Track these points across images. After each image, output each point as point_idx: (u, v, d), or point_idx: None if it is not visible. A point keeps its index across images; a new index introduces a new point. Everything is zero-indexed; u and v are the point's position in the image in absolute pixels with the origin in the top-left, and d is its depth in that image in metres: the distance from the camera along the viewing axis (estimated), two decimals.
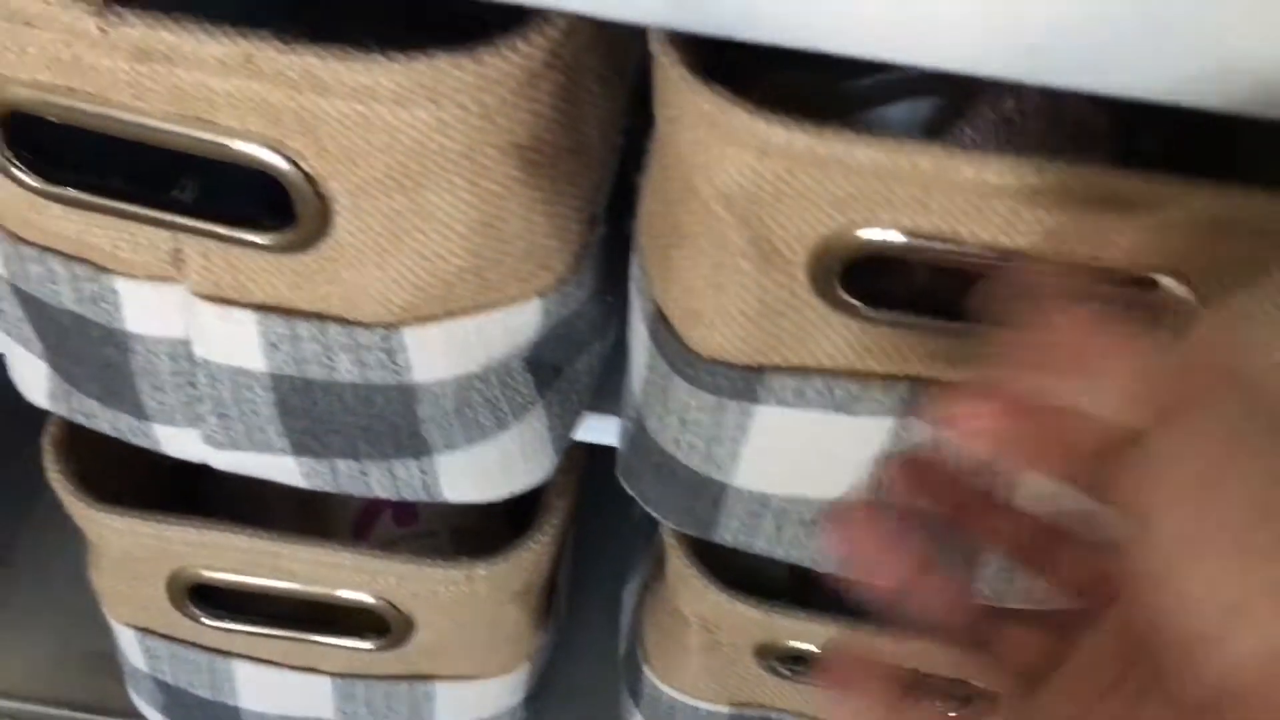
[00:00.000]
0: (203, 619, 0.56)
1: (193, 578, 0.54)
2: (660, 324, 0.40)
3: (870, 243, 0.34)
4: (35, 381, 0.46)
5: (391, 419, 0.42)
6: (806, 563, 0.46)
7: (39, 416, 0.53)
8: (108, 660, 0.68)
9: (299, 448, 0.44)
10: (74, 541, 0.73)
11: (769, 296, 0.37)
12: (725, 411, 0.40)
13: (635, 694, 0.64)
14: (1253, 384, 0.22)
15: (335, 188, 0.35)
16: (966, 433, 0.25)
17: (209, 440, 0.44)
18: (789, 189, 0.33)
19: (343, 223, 0.36)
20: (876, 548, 0.28)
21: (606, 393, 0.50)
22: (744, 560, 0.66)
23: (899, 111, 0.43)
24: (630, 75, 0.42)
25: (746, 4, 0.30)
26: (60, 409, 0.47)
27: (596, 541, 0.77)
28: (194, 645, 0.59)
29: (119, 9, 0.32)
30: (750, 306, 0.37)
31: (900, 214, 0.34)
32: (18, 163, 0.36)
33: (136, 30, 0.32)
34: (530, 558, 0.54)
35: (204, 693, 0.61)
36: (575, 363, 0.47)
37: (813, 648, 0.55)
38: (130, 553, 0.54)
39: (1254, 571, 0.20)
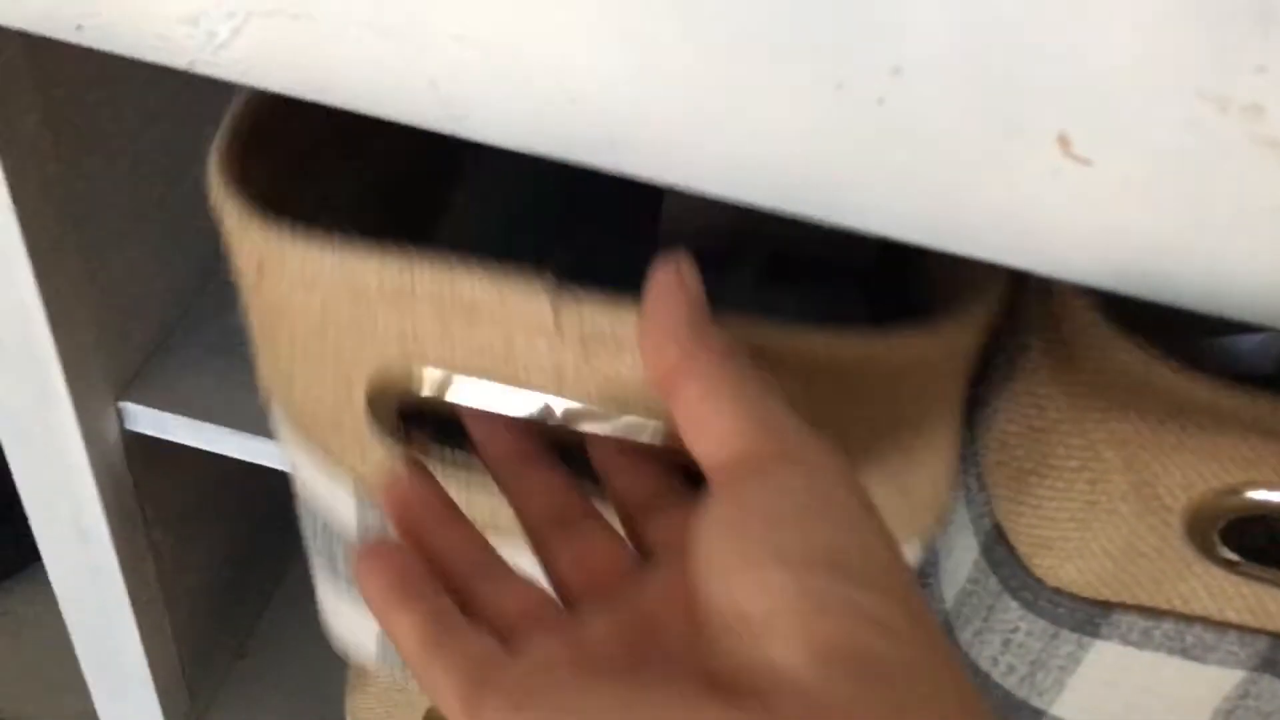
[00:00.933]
0: None
1: None
2: (1000, 544, 0.39)
3: (1262, 504, 0.32)
4: (363, 640, 0.47)
5: None
6: None
7: (276, 521, 0.54)
8: None
9: None
10: (307, 639, 0.76)
11: (1138, 539, 0.35)
12: (1059, 641, 0.39)
13: None
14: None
15: None
16: None
17: None
18: (1193, 443, 0.32)
19: None
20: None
21: None
22: None
23: (1249, 342, 0.42)
24: None
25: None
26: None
27: None
28: None
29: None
30: (1114, 546, 0.36)
31: None
32: (407, 441, 0.36)
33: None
34: None
35: None
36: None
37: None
38: (396, 682, 0.54)
39: (789, 584, 0.23)
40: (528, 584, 0.28)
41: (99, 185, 0.49)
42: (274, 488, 0.73)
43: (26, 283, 0.47)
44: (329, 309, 0.32)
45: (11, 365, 0.51)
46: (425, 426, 0.38)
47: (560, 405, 0.31)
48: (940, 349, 0.32)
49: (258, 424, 0.53)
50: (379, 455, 0.36)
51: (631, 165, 0.29)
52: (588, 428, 0.31)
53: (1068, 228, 0.29)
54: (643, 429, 0.31)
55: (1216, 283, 0.27)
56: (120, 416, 0.55)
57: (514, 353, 0.31)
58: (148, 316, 0.56)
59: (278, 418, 0.41)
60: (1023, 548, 0.38)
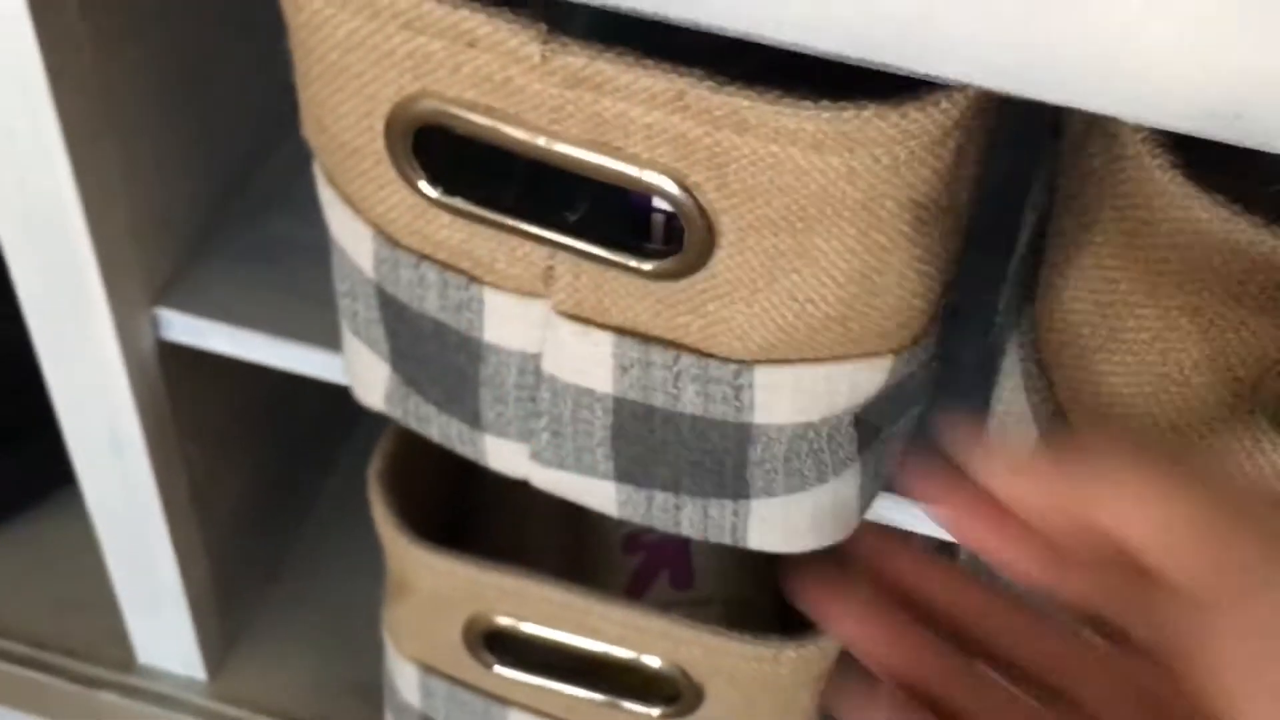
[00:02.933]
0: (494, 665, 0.56)
1: (491, 624, 0.54)
2: (1060, 424, 0.39)
3: None
4: (373, 382, 0.48)
5: (721, 457, 0.42)
6: None
7: (313, 444, 0.54)
8: (366, 689, 0.69)
9: (622, 474, 0.44)
10: (340, 564, 0.76)
11: (1208, 412, 0.35)
12: None
13: None
14: None
15: (726, 223, 0.36)
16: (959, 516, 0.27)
17: (535, 457, 0.45)
18: (1272, 306, 0.31)
19: (723, 256, 0.37)
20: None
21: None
22: None
23: None
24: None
25: None
26: (395, 412, 0.48)
27: None
28: (476, 690, 0.59)
29: (561, 37, 0.34)
30: (1183, 420, 0.36)
31: None
32: (422, 172, 0.38)
33: (577, 59, 0.34)
34: (836, 645, 0.52)
35: None
36: (895, 424, 0.46)
37: None
38: (439, 593, 0.54)
39: None
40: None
41: (136, 79, 0.49)
42: (310, 411, 0.73)
43: (65, 176, 0.47)
44: (352, 31, 0.35)
45: (49, 267, 0.50)
46: None
47: (553, 143, 0.35)
48: (902, 134, 0.32)
49: (294, 331, 0.53)
50: (398, 198, 0.39)
51: None
52: (578, 167, 0.35)
53: (1159, 67, 0.28)
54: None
55: None
56: (155, 323, 0.54)
57: (510, 87, 0.34)
58: (183, 220, 0.55)
59: (318, 173, 0.43)
60: (1085, 428, 0.38)
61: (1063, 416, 0.39)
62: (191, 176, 0.55)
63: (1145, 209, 0.33)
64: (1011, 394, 0.42)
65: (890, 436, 0.47)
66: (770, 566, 0.68)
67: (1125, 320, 0.35)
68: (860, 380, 0.41)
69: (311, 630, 0.74)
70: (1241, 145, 0.30)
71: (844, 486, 0.45)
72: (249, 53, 0.55)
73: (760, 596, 0.66)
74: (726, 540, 0.46)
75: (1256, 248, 0.31)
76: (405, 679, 0.61)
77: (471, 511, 0.72)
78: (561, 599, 0.52)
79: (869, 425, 0.44)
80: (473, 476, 0.73)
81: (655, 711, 0.56)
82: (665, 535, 0.66)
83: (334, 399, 0.54)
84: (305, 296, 0.53)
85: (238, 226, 0.57)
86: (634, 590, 0.65)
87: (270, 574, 0.76)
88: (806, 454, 0.43)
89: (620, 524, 0.67)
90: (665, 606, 0.63)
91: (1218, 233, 0.31)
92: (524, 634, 0.54)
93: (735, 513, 0.45)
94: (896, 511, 0.49)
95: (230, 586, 0.71)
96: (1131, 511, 0.24)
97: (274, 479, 0.73)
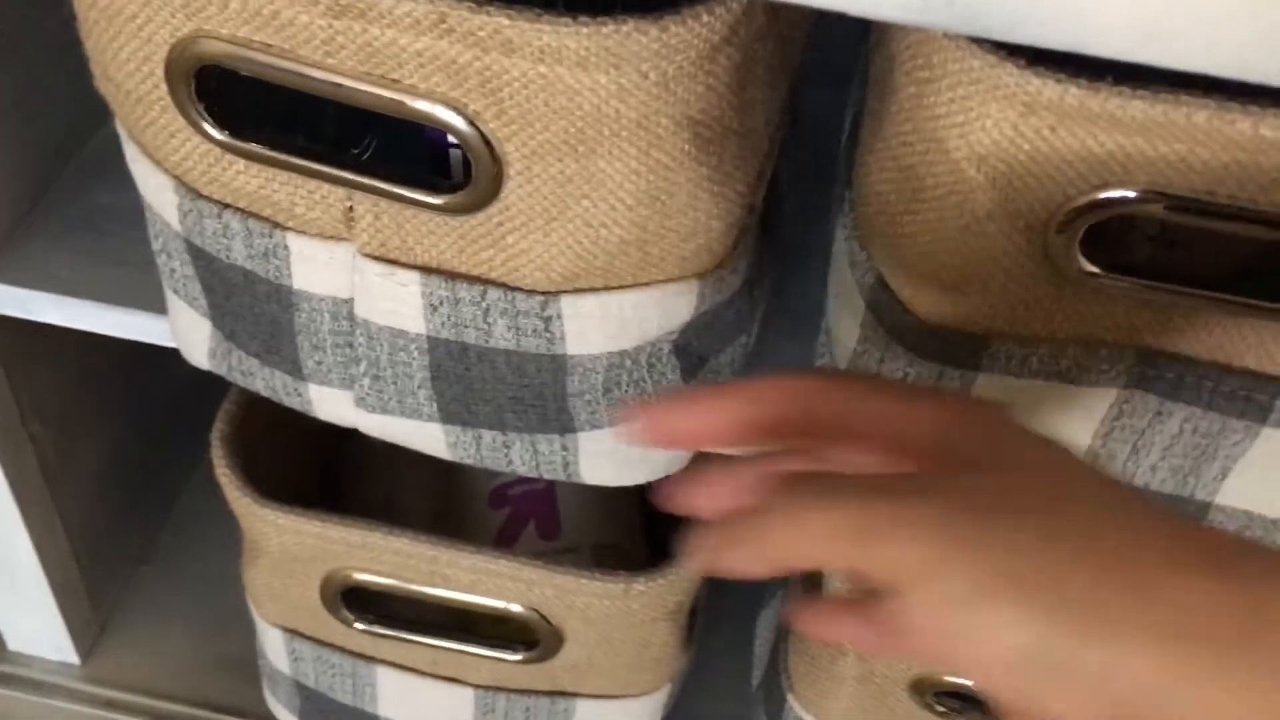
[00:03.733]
0: (355, 623, 0.56)
1: (347, 580, 0.54)
2: (883, 293, 0.39)
3: (1122, 201, 0.33)
4: (197, 340, 0.48)
5: (541, 391, 0.43)
6: None
7: (182, 422, 0.54)
8: (244, 663, 0.69)
9: (447, 415, 0.44)
10: (212, 543, 0.75)
11: (1007, 261, 0.36)
12: (945, 381, 0.40)
13: None
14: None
15: (510, 151, 0.36)
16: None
17: (360, 403, 0.45)
18: (1047, 148, 0.33)
19: (514, 186, 0.37)
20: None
21: None
22: None
23: None
24: (793, 78, 0.43)
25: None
26: (220, 368, 0.48)
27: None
28: (340, 649, 0.59)
29: None
30: (986, 271, 0.37)
31: (1160, 174, 0.33)
32: (207, 116, 0.38)
33: None
34: (686, 576, 0.53)
35: (344, 698, 0.61)
36: (720, 355, 0.46)
37: (968, 682, 0.53)
38: (289, 551, 0.54)
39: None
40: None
41: None
42: (174, 386, 0.72)
43: None
44: None
45: None
46: None
47: (331, 78, 0.35)
48: (665, 48, 0.33)
49: (123, 297, 0.52)
50: (190, 145, 0.38)
51: None
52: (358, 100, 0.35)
53: None
54: None
55: None
56: None
57: (279, 21, 0.34)
58: (5, 193, 0.54)
59: (119, 129, 0.42)
60: (904, 291, 0.39)
61: (883, 284, 0.40)
62: (11, 149, 0.54)
63: (927, 67, 0.34)
64: (839, 274, 0.43)
65: (718, 367, 0.47)
66: (638, 512, 0.69)
67: (923, 179, 0.36)
68: (669, 306, 0.41)
69: (187, 609, 0.74)
70: (959, 33, 0.31)
71: None
72: (63, 21, 0.54)
73: (629, 543, 0.67)
74: (560, 476, 0.46)
75: (1027, 90, 0.32)
76: (272, 645, 0.61)
77: (343, 476, 0.72)
78: (409, 549, 0.52)
79: (691, 354, 0.45)
80: (342, 441, 0.73)
81: (517, 656, 0.56)
82: (531, 487, 0.66)
83: (200, 372, 0.54)
84: (133, 264, 0.52)
85: (63, 198, 0.56)
86: (502, 543, 0.66)
87: (142, 555, 0.75)
88: (627, 384, 0.43)
89: (487, 478, 0.67)
90: (535, 558, 0.64)
91: (990, 79, 0.32)
92: (380, 588, 0.54)
93: (564, 447, 0.45)
94: None
95: (99, 568, 0.70)
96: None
97: (138, 458, 0.72)
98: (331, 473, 0.72)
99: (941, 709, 0.55)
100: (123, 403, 0.69)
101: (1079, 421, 0.41)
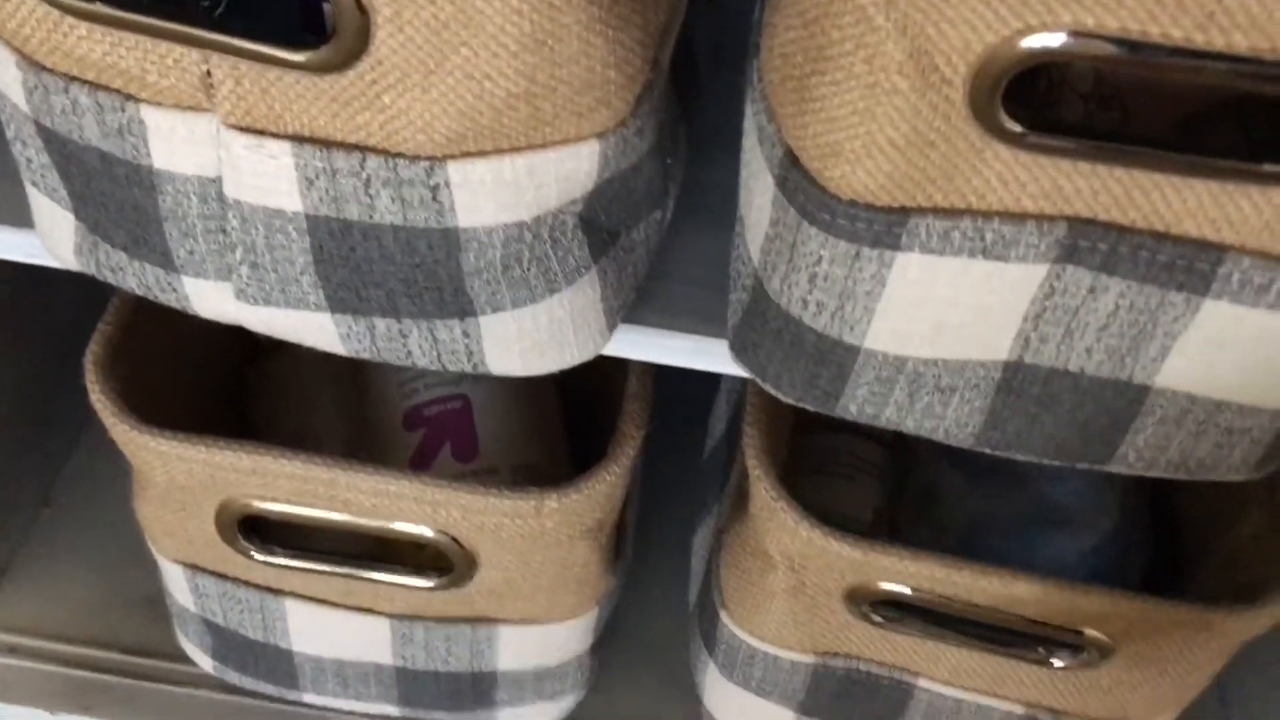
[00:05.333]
0: (253, 553, 0.53)
1: (243, 509, 0.51)
2: (793, 168, 0.36)
3: (1044, 50, 0.30)
4: (62, 237, 0.44)
5: (434, 270, 0.39)
6: (938, 435, 0.43)
7: (82, 356, 0.50)
8: (156, 604, 0.65)
9: (336, 303, 0.41)
10: (117, 482, 0.71)
11: (922, 122, 0.33)
12: (862, 262, 0.37)
13: (709, 642, 0.60)
14: None
15: None
16: None
17: (241, 295, 0.41)
18: None
19: (384, 37, 0.33)
20: None
21: (677, 311, 0.47)
22: (824, 501, 0.62)
23: None
24: None
25: None
26: (88, 266, 0.44)
27: (660, 485, 0.73)
28: (244, 583, 0.55)
29: None
30: (900, 135, 0.33)
31: (1085, 12, 0.30)
32: None
33: None
34: (604, 490, 0.50)
35: (254, 634, 0.58)
36: (632, 231, 0.44)
37: (907, 590, 0.51)
38: (177, 481, 0.50)
39: None
40: None
41: None
42: (68, 320, 0.68)
43: None
44: None
45: None
46: None
47: None
48: None
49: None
50: (26, 9, 0.35)
51: None
52: None
53: None
54: None
55: None
56: None
57: None
58: None
59: None
60: (814, 164, 0.36)
61: (793, 159, 0.37)
62: None
63: None
64: (750, 151, 0.40)
65: (631, 245, 0.44)
66: (561, 432, 0.66)
67: (829, 33, 0.33)
68: (568, 170, 0.38)
69: (93, 550, 0.70)
70: None
71: (580, 297, 0.42)
72: None
73: (550, 463, 0.64)
74: (465, 366, 0.43)
75: None
76: (175, 581, 0.58)
77: (249, 408, 0.68)
78: (304, 473, 0.48)
79: (598, 228, 0.42)
80: (247, 371, 0.69)
81: (430, 583, 0.53)
82: (447, 407, 0.63)
83: (100, 304, 0.51)
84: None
85: None
86: (417, 467, 0.63)
87: (43, 499, 0.71)
88: (529, 260, 0.40)
89: (399, 399, 0.63)
90: (451, 480, 0.61)
91: None
92: (280, 517, 0.51)
93: (465, 334, 0.42)
94: (646, 345, 0.47)
95: None
96: None
97: (36, 396, 0.68)
98: (237, 405, 0.68)
99: (878, 618, 0.53)
100: (17, 337, 0.65)
101: (1008, 302, 0.38)
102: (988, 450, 0.43)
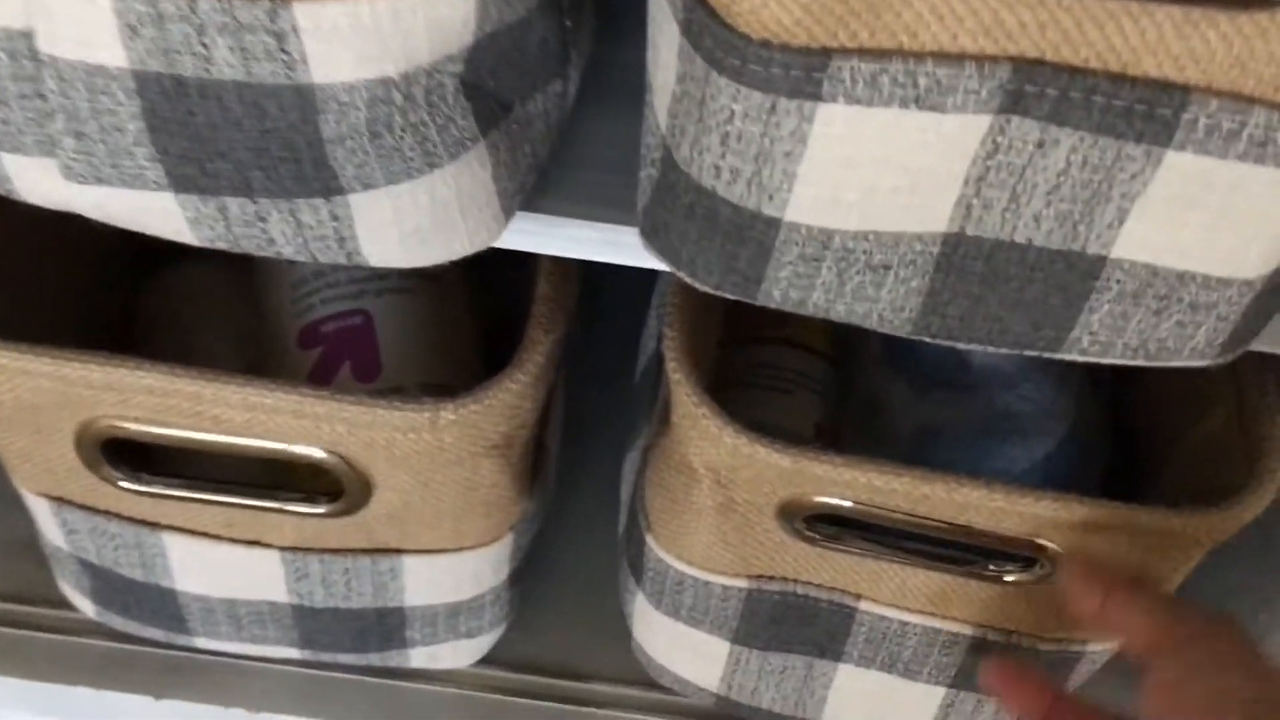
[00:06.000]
0: (121, 481, 0.47)
1: (105, 431, 0.46)
2: (697, 7, 0.31)
3: None
4: None
5: (290, 138, 0.34)
6: (871, 322, 0.38)
7: None
8: (31, 546, 0.60)
9: (178, 181, 0.36)
10: None
11: None
12: (779, 116, 0.32)
13: (637, 571, 0.56)
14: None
15: None
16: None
17: (67, 172, 0.36)
18: None
19: None
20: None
21: (584, 198, 0.42)
22: (761, 417, 0.58)
23: None
24: None
25: None
26: None
27: (592, 412, 0.68)
28: (116, 516, 0.50)
29: None
30: None
31: None
32: None
33: None
34: (508, 400, 0.45)
35: (134, 573, 0.53)
36: (527, 102, 0.39)
37: (845, 503, 0.46)
38: (24, 400, 0.45)
39: None
40: None
41: None
42: None
43: None
44: None
45: None
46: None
47: None
48: None
49: None
50: None
51: None
52: None
53: None
54: None
55: None
56: None
57: None
58: None
59: None
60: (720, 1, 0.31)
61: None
62: None
63: None
64: (655, 6, 0.35)
65: (527, 118, 0.39)
66: (473, 348, 0.61)
67: None
68: (439, 17, 0.33)
69: None
70: None
71: (467, 175, 0.37)
72: None
73: (461, 381, 0.59)
74: (339, 257, 0.38)
75: None
76: (42, 517, 0.52)
77: (136, 334, 0.63)
78: (165, 386, 0.43)
79: (485, 95, 0.37)
80: (133, 294, 0.64)
81: (320, 509, 0.48)
82: (347, 323, 0.58)
83: None
84: None
85: None
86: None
87: None
88: (402, 127, 0.35)
89: (294, 315, 0.58)
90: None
91: None
92: (146, 438, 0.46)
93: (334, 216, 0.36)
94: (548, 236, 0.42)
95: None
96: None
97: None
98: (125, 333, 0.62)
99: (815, 535, 0.49)
100: None
101: (946, 162, 0.33)
102: (928, 338, 0.39)
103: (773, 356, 0.61)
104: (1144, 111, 0.32)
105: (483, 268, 0.53)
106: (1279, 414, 0.48)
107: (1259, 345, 0.40)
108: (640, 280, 0.55)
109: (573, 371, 0.66)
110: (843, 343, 0.62)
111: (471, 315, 0.62)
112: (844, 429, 0.61)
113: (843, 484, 0.46)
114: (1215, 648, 0.40)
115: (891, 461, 0.46)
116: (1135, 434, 0.60)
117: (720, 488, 0.48)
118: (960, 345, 0.42)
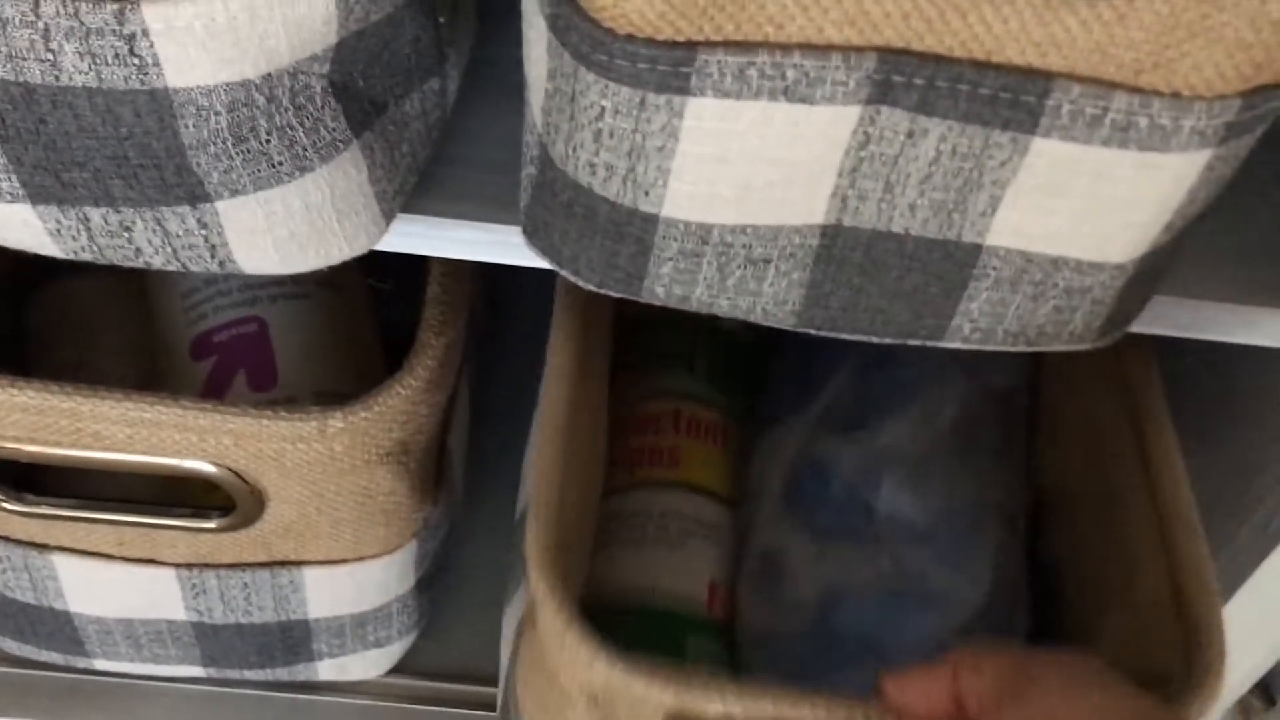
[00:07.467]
0: (2, 503, 0.46)
1: None
2: (563, 3, 0.31)
3: None
4: None
5: (148, 144, 0.33)
6: (756, 316, 0.38)
7: None
8: None
9: (35, 191, 0.35)
10: None
11: None
12: (649, 111, 0.32)
13: None
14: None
15: None
16: None
17: None
18: None
19: None
20: None
21: (468, 198, 0.41)
22: (648, 578, 0.52)
23: None
24: None
25: None
26: None
27: (497, 412, 0.68)
28: (3, 539, 0.49)
29: None
30: None
31: None
32: None
33: None
34: (399, 406, 0.45)
35: (25, 596, 0.51)
36: (403, 102, 0.38)
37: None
38: None
39: None
40: None
41: None
42: None
43: None
44: None
45: None
46: None
47: None
48: None
49: None
50: None
51: None
52: None
53: None
54: None
55: None
56: None
57: None
58: None
59: None
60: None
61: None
62: None
63: None
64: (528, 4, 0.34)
65: (403, 118, 0.38)
66: (375, 354, 0.60)
67: None
68: (298, 17, 0.32)
69: None
70: None
71: (342, 178, 0.37)
72: None
73: (362, 388, 0.58)
74: (212, 266, 0.37)
75: None
76: None
77: (26, 349, 0.61)
78: (39, 403, 0.42)
79: (356, 96, 0.36)
80: (22, 308, 0.62)
81: (211, 524, 0.47)
82: (239, 331, 0.57)
83: None
84: None
85: None
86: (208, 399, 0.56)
87: None
88: (268, 131, 0.34)
89: (186, 324, 0.57)
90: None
91: None
92: (25, 458, 0.44)
93: (202, 224, 0.36)
94: (431, 237, 0.41)
95: None
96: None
97: None
98: (12, 347, 0.61)
99: None
100: None
101: (819, 154, 0.33)
102: (812, 330, 0.38)
103: (660, 502, 0.55)
104: (1009, 99, 0.32)
105: (397, 274, 0.53)
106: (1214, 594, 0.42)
107: None
108: (547, 274, 0.54)
109: (481, 371, 0.65)
110: (738, 482, 0.57)
111: (373, 321, 0.61)
112: (740, 588, 0.55)
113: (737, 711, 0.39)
114: (1086, 666, 0.36)
115: (785, 687, 0.39)
116: (1064, 601, 0.53)
117: (597, 707, 0.41)
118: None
